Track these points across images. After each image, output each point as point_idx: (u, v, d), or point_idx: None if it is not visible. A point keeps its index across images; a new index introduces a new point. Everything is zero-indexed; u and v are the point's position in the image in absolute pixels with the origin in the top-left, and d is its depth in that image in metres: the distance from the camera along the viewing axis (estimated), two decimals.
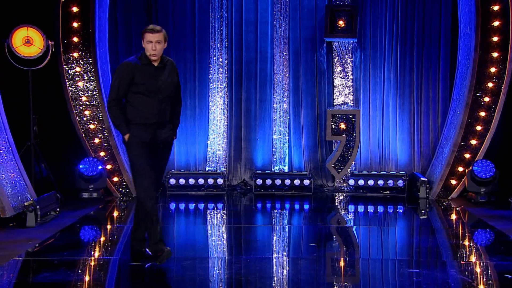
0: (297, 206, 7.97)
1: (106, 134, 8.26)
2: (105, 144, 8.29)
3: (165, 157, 5.02)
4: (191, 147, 9.31)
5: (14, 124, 7.02)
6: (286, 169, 9.09)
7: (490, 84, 8.03)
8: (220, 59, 9.10)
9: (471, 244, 5.82)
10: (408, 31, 9.02)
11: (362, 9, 8.94)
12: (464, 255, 5.38)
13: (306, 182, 8.62)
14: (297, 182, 8.67)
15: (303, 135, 9.20)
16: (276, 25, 9.07)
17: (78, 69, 8.15)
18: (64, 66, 8.11)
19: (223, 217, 7.49)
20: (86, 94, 8.20)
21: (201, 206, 7.98)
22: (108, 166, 8.29)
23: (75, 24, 8.06)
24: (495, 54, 7.96)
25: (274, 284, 4.39)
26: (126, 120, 4.72)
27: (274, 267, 4.83)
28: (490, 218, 6.83)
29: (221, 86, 9.14)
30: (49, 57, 7.45)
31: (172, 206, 8.04)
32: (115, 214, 7.46)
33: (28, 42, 7.31)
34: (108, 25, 8.57)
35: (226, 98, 9.17)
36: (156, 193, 4.90)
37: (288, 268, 4.89)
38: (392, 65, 9.07)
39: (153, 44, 4.61)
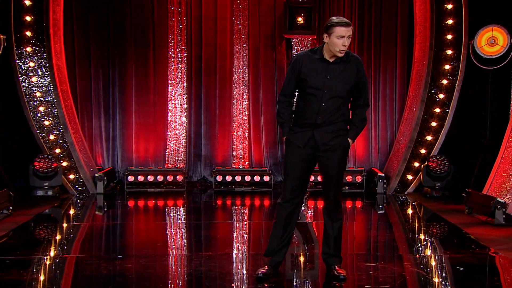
0: (257, 202, 7.99)
1: (61, 130, 8.10)
2: (61, 141, 8.13)
3: (333, 165, 4.27)
4: (150, 144, 9.24)
5: None
6: (246, 165, 9.11)
7: (445, 81, 8.23)
8: (179, 55, 9.05)
9: (426, 238, 5.94)
10: (365, 28, 9.16)
11: (320, 6, 9.04)
12: (420, 248, 5.47)
13: (266, 178, 8.65)
14: (257, 178, 8.70)
15: (263, 131, 9.24)
16: (235, 21, 9.08)
17: (31, 64, 7.96)
18: (17, 61, 7.92)
19: (183, 214, 7.44)
20: (41, 90, 8.02)
21: (161, 203, 7.91)
22: (64, 163, 8.14)
23: (28, 18, 7.87)
24: (449, 52, 8.17)
25: (233, 280, 4.38)
26: (291, 121, 4.32)
27: (234, 263, 4.81)
28: (445, 212, 7.00)
29: (181, 82, 9.10)
30: (0, 52, 7.27)
31: (131, 203, 7.94)
32: (71, 212, 7.32)
33: None
34: (64, 19, 8.40)
35: (185, 94, 9.14)
36: (327, 208, 4.35)
37: (247, 264, 4.88)
38: None
39: (345, 39, 4.07)
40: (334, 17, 4.19)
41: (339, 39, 4.07)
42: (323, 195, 4.43)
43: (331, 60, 4.18)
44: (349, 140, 4.30)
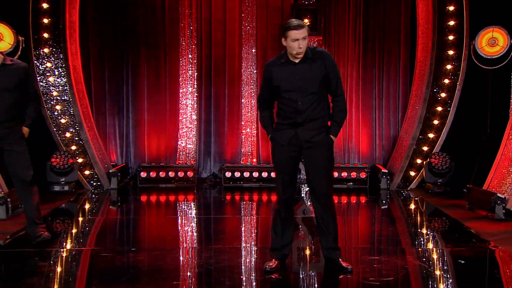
0: (264, 198, 8.10)
1: (77, 128, 8.30)
2: (76, 138, 8.32)
3: (318, 161, 4.33)
4: (162, 141, 9.41)
5: None
6: (254, 162, 9.25)
7: (447, 81, 8.35)
8: (190, 56, 9.21)
9: (428, 232, 6.01)
10: (369, 29, 9.28)
11: (326, 8, 9.14)
12: (422, 242, 5.53)
13: (273, 174, 8.74)
14: (264, 174, 8.84)
15: None
16: (244, 23, 9.22)
17: (49, 64, 8.16)
18: (35, 61, 8.11)
19: (193, 208, 7.56)
20: (57, 89, 8.23)
21: (172, 198, 8.05)
22: (80, 160, 8.33)
23: (45, 20, 8.06)
24: (450, 52, 8.28)
25: (242, 272, 4.48)
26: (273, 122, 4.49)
27: (242, 256, 4.92)
28: (446, 207, 7.10)
29: (191, 82, 9.26)
30: (19, 52, 7.41)
31: (143, 198, 8.10)
32: (87, 206, 7.46)
33: None
34: (79, 22, 8.58)
35: (196, 93, 9.28)
36: (318, 202, 4.42)
37: (255, 257, 4.97)
38: (354, 62, 9.33)
39: (300, 41, 4.15)
40: (291, 20, 4.27)
41: (294, 42, 4.16)
42: (311, 192, 4.45)
43: (296, 61, 4.27)
44: (332, 136, 4.35)
